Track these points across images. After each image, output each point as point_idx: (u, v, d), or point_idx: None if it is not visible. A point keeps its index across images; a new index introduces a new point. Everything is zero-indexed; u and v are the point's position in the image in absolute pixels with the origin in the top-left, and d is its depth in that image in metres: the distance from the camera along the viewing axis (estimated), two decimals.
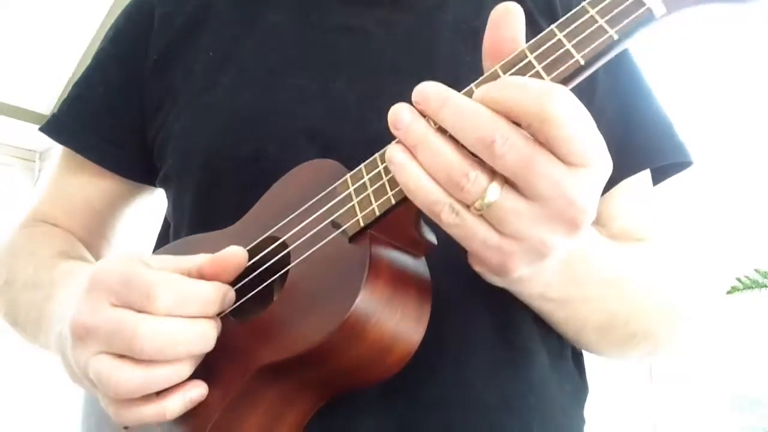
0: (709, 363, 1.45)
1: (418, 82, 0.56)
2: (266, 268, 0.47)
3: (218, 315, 0.45)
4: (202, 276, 0.44)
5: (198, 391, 0.43)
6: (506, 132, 0.35)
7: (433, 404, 0.49)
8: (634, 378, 1.51)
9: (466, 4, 0.61)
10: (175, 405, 0.42)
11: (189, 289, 0.42)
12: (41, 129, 0.68)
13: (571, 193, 0.35)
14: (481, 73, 0.40)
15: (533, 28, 0.61)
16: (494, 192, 0.35)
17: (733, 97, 1.41)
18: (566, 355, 0.57)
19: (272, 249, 0.47)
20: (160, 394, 0.42)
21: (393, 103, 0.55)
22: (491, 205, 0.36)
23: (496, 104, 0.35)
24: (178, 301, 0.41)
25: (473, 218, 0.36)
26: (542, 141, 0.35)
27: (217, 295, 0.43)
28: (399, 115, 0.39)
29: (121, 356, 0.40)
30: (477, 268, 0.44)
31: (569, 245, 0.38)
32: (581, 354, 0.61)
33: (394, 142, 0.39)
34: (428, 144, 0.37)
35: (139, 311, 0.40)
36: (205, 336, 0.42)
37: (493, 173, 0.36)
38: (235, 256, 0.44)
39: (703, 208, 1.43)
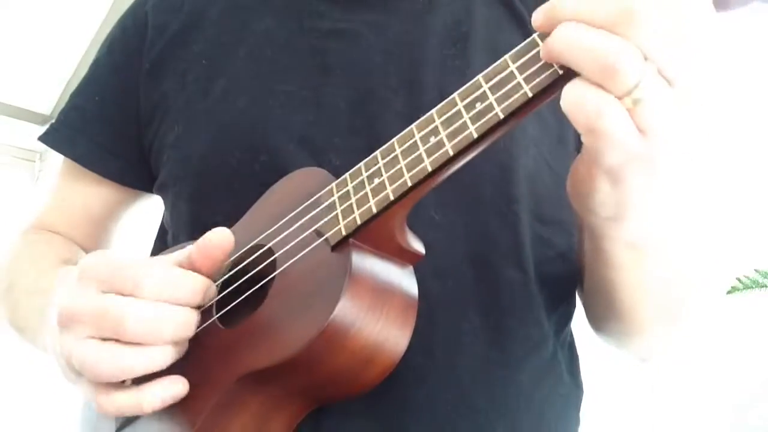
0: (708, 362, 1.45)
1: (406, 87, 0.56)
2: (254, 275, 0.47)
3: (206, 322, 0.45)
4: (192, 263, 0.45)
5: (177, 387, 0.43)
6: (649, 2, 0.31)
7: (421, 407, 0.49)
8: (631, 378, 1.51)
9: (455, 8, 0.61)
10: (153, 397, 0.42)
11: (175, 276, 0.43)
12: (40, 138, 0.69)
13: (699, 68, 0.32)
14: (468, 79, 0.40)
15: (523, 30, 0.61)
16: (650, 80, 0.32)
17: (732, 96, 1.41)
18: (559, 357, 0.57)
19: (259, 256, 0.47)
20: (139, 384, 0.42)
21: (381, 109, 0.55)
22: (648, 96, 0.32)
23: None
24: (164, 286, 0.42)
25: (626, 118, 0.32)
26: None
27: (202, 285, 0.44)
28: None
29: (106, 340, 0.41)
30: (599, 184, 0.39)
31: (695, 143, 0.35)
32: (576, 356, 0.61)
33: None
34: (567, 26, 0.33)
35: (126, 296, 0.42)
36: (188, 322, 0.43)
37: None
38: (218, 237, 0.45)
39: (703, 208, 1.43)
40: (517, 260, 0.54)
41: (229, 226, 0.51)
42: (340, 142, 0.54)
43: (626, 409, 1.52)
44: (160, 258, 0.46)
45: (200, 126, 0.58)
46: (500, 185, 0.54)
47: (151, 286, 0.42)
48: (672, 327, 0.57)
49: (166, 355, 0.43)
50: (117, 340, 0.41)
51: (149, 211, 0.75)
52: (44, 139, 0.69)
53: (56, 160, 0.72)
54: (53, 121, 0.70)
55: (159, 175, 0.63)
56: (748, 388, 1.41)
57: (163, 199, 0.65)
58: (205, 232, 0.54)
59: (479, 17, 0.60)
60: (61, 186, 0.71)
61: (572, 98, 0.33)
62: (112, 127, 0.66)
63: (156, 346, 0.42)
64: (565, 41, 0.33)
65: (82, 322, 0.42)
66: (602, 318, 0.60)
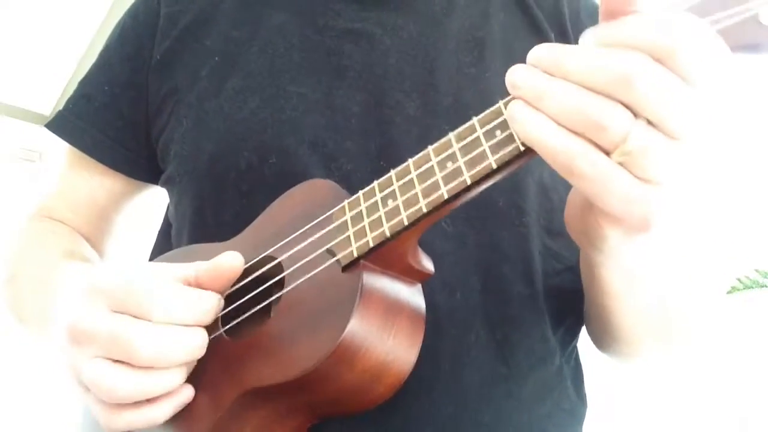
0: (708, 363, 1.45)
1: (420, 93, 0.56)
2: (263, 289, 0.47)
3: (213, 334, 0.45)
4: (199, 284, 0.44)
5: (185, 394, 0.44)
6: (646, 65, 0.31)
7: (426, 419, 0.49)
8: (633, 381, 1.51)
9: (473, 13, 0.61)
10: (165, 410, 0.43)
11: (185, 297, 0.43)
12: (47, 126, 0.68)
13: (712, 122, 0.32)
14: (484, 86, 0.39)
15: (540, 37, 0.61)
16: (640, 132, 0.32)
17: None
18: (564, 372, 0.56)
19: (269, 269, 0.47)
20: (149, 399, 0.42)
21: (394, 113, 0.55)
22: (638, 147, 0.32)
23: (618, 44, 0.32)
24: (174, 309, 0.42)
25: (613, 166, 0.32)
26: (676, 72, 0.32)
27: (213, 305, 0.44)
28: (515, 74, 0.35)
29: (117, 361, 0.41)
30: (609, 231, 0.39)
31: (705, 188, 0.36)
32: (581, 371, 0.61)
33: (514, 99, 0.35)
34: (556, 89, 0.33)
35: (137, 318, 0.41)
36: (199, 344, 0.43)
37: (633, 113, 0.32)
38: (230, 263, 0.45)
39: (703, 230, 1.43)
40: (526, 273, 0.53)
41: (236, 228, 0.51)
42: (351, 146, 0.54)
43: (627, 412, 1.52)
44: (168, 268, 0.45)
45: (210, 124, 0.58)
46: (512, 197, 0.53)
47: (161, 308, 0.41)
48: (671, 346, 0.57)
49: (177, 377, 0.43)
50: (128, 363, 0.41)
51: (153, 202, 0.74)
52: (51, 127, 0.68)
53: (56, 159, 0.72)
54: (61, 108, 0.69)
55: (166, 170, 0.62)
56: (748, 388, 1.41)
57: (169, 193, 0.65)
58: (209, 232, 0.54)
59: (496, 23, 0.60)
60: (67, 174, 0.70)
61: (550, 148, 0.33)
62: (121, 118, 0.65)
63: (165, 370, 0.42)
64: (556, 105, 0.33)
65: (93, 343, 0.41)
66: (601, 338, 0.60)
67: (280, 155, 0.54)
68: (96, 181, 0.68)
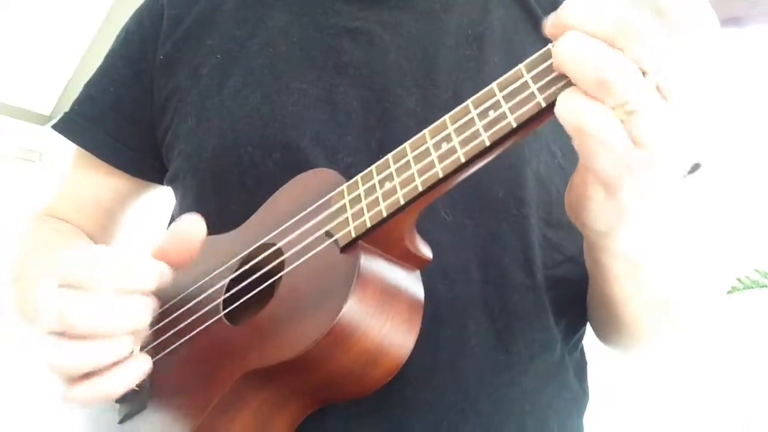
0: (708, 363, 1.45)
1: (419, 88, 0.57)
2: (263, 274, 0.47)
3: (212, 319, 0.45)
4: (164, 252, 0.44)
5: (141, 364, 0.43)
6: (646, 18, 0.32)
7: (426, 408, 0.49)
8: (634, 381, 1.51)
9: (472, 9, 0.61)
10: (118, 382, 0.42)
11: (124, 264, 0.42)
12: (54, 127, 0.69)
13: (699, 86, 0.33)
14: (483, 79, 0.39)
15: (539, 32, 0.61)
16: (646, 89, 0.32)
17: (732, 96, 1.41)
18: (566, 362, 0.57)
19: (268, 255, 0.47)
20: (101, 372, 0.42)
21: (394, 108, 0.56)
22: (642, 106, 0.32)
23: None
24: (114, 276, 0.41)
25: (617, 124, 0.33)
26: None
27: (154, 269, 0.43)
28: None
29: (62, 335, 0.41)
30: (593, 192, 0.39)
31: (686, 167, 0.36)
32: (584, 362, 0.61)
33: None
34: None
35: (78, 289, 0.41)
36: (141, 311, 0.42)
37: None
38: (188, 225, 0.45)
39: (704, 208, 1.43)
40: (526, 264, 0.54)
41: (240, 222, 0.52)
42: (352, 141, 0.54)
43: (627, 410, 1.52)
44: (133, 249, 0.45)
45: (213, 120, 0.59)
46: (511, 188, 0.54)
47: (100, 275, 0.41)
48: (672, 335, 0.58)
49: (124, 346, 0.42)
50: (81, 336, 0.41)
51: (161, 201, 0.75)
52: (57, 127, 0.69)
53: (56, 159, 0.73)
54: (67, 110, 0.70)
55: (170, 168, 0.63)
56: (748, 388, 1.41)
57: (174, 191, 0.66)
58: (213, 228, 0.54)
59: (495, 17, 0.61)
60: (72, 174, 0.71)
61: (563, 104, 0.34)
62: (126, 118, 0.66)
63: (112, 337, 0.41)
64: (564, 52, 0.33)
65: (40, 319, 0.41)
66: (604, 329, 0.60)
67: (282, 150, 0.55)
68: (101, 181, 0.69)
